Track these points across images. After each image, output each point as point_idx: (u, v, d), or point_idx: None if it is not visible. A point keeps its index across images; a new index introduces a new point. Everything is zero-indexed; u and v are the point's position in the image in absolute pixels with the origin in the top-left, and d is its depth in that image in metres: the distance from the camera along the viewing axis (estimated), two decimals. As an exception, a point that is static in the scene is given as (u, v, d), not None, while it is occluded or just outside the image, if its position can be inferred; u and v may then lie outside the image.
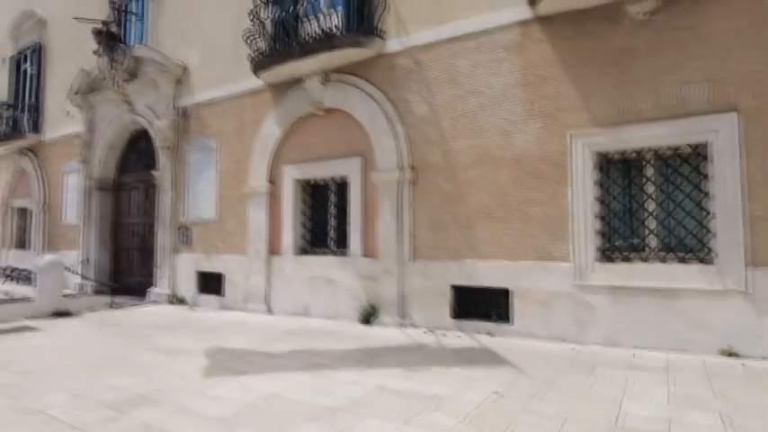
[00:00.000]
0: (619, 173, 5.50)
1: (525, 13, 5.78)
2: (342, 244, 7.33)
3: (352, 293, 6.92)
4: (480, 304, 5.99)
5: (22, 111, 13.17)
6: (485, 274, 5.94)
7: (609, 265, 5.32)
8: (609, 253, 5.40)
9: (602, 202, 5.46)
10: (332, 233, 7.52)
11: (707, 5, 4.91)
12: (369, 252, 6.87)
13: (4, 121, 13.40)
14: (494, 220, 5.93)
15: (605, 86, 5.37)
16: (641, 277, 5.09)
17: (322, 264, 7.34)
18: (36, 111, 12.97)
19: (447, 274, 6.20)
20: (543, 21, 5.72)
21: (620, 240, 5.42)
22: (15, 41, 13.84)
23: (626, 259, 5.29)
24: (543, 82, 5.70)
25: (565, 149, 5.53)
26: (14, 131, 13.08)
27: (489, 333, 5.79)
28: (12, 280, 12.71)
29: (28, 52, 13.49)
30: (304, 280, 7.46)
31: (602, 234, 5.43)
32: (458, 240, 6.17)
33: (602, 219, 5.44)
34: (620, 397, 3.58)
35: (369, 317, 6.64)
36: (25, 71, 13.65)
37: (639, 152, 5.32)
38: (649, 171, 5.30)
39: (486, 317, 5.94)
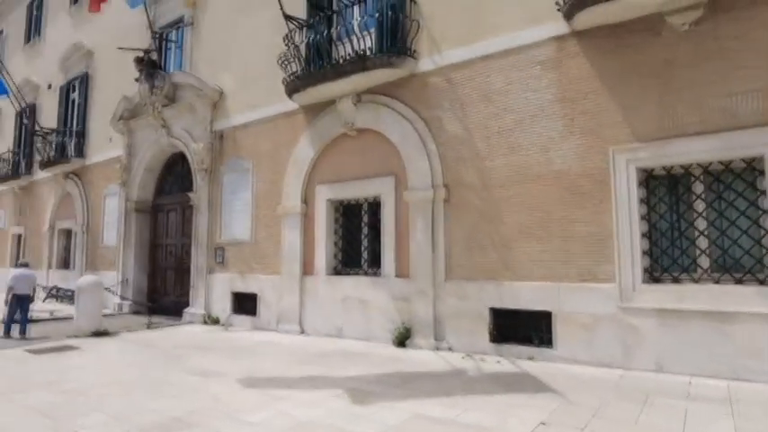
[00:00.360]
0: (665, 189, 5.26)
1: (561, 28, 5.68)
2: (374, 264, 7.25)
3: (385, 315, 6.80)
4: (520, 327, 5.77)
5: (69, 137, 13.77)
6: (524, 295, 5.74)
7: (656, 287, 5.04)
8: (656, 274, 5.13)
9: (647, 220, 5.21)
10: (365, 253, 7.45)
11: (755, 12, 4.69)
12: (402, 272, 6.76)
13: (53, 146, 14.03)
14: (532, 239, 5.74)
15: (647, 100, 5.18)
16: (692, 299, 4.79)
17: (355, 284, 7.26)
18: (81, 136, 13.55)
19: (484, 296, 6.01)
20: (580, 35, 5.60)
21: (667, 260, 5.14)
22: (65, 72, 14.57)
23: (675, 280, 5.01)
24: (582, 97, 5.55)
25: (607, 165, 5.33)
26: (61, 156, 13.68)
27: (530, 358, 5.55)
28: (55, 298, 13.14)
29: (76, 82, 14.17)
30: (337, 301, 7.39)
31: (649, 254, 5.17)
32: (494, 260, 5.99)
33: (648, 238, 5.19)
34: (679, 430, 3.32)
35: (403, 339, 6.49)
36: (73, 100, 14.32)
37: (686, 168, 5.07)
38: (698, 187, 5.04)
39: (526, 341, 5.71)
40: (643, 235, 5.16)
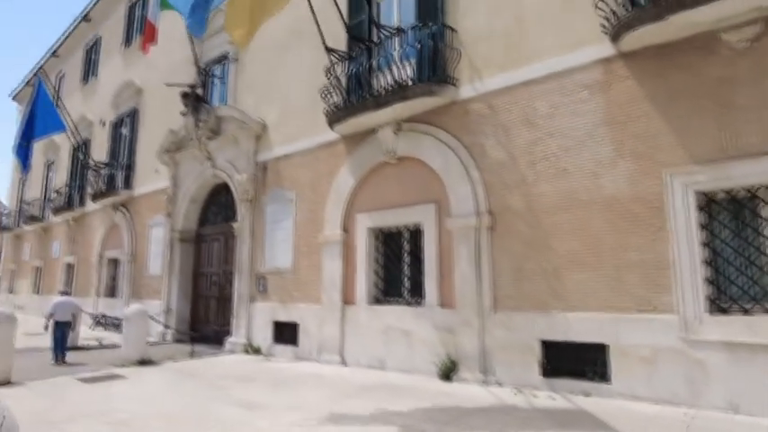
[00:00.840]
0: (727, 214, 4.96)
1: (607, 50, 5.56)
2: (416, 293, 7.11)
3: (429, 346, 6.61)
4: (573, 361, 5.47)
5: (118, 169, 14.41)
6: (577, 327, 5.46)
7: (722, 318, 4.70)
8: (722, 304, 4.79)
9: (709, 246, 4.91)
10: (406, 282, 7.33)
11: (820, 28, 4.46)
12: (446, 302, 6.59)
13: (103, 179, 14.70)
14: (584, 267, 5.50)
15: (703, 121, 4.95)
16: (766, 332, 4.43)
17: (396, 314, 7.12)
18: (129, 169, 14.15)
19: (533, 327, 5.76)
20: (627, 57, 5.46)
21: (735, 290, 4.81)
22: (116, 108, 15.39)
23: (744, 311, 4.65)
24: (632, 120, 5.37)
25: (661, 189, 5.10)
26: (110, 188, 14.30)
27: (585, 393, 5.24)
28: (102, 326, 13.51)
29: (126, 117, 14.92)
30: (378, 331, 7.25)
31: (713, 283, 4.85)
32: (544, 290, 5.76)
33: (712, 266, 4.88)
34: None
35: (448, 372, 6.27)
36: (122, 134, 15.04)
37: (750, 190, 4.78)
38: (766, 211, 4.73)
39: (580, 375, 5.40)
40: (705, 263, 4.85)
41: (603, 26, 5.39)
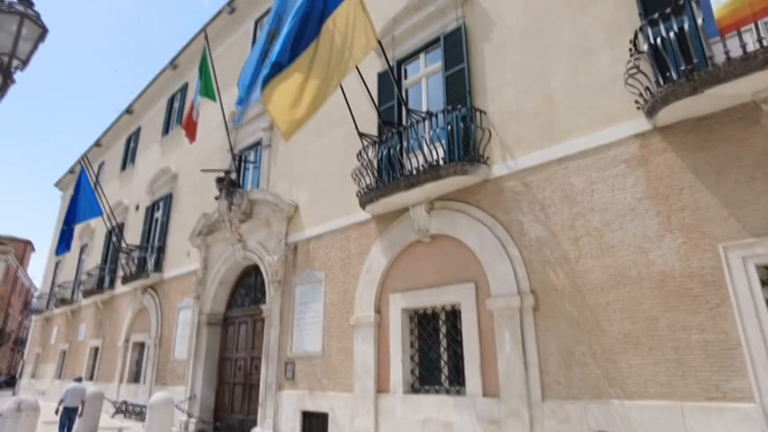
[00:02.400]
0: (795, 289, 4.61)
1: (642, 125, 5.55)
2: (456, 380, 6.68)
3: (473, 439, 6.07)
4: (640, 457, 4.91)
5: (150, 252, 14.65)
6: (638, 416, 4.96)
7: (808, 408, 4.20)
8: (805, 391, 4.30)
9: (781, 325, 4.52)
10: (444, 368, 6.91)
11: None
12: (489, 390, 6.14)
13: (134, 261, 14.93)
14: (640, 350, 5.10)
15: (755, 192, 4.76)
16: None
17: (435, 404, 6.64)
18: (160, 252, 14.37)
19: (589, 418, 5.26)
20: (664, 131, 5.43)
21: (817, 375, 4.34)
22: (152, 194, 15.99)
23: (833, 400, 4.16)
24: (676, 193, 5.22)
25: (718, 264, 4.81)
26: (141, 271, 14.46)
27: (658, 498, 4.63)
28: (123, 414, 13.02)
29: (160, 202, 15.44)
30: (416, 423, 6.74)
31: (791, 366, 4.40)
32: (597, 376, 5.33)
33: (786, 347, 4.45)
34: None
35: (496, 470, 5.69)
36: (156, 218, 15.49)
37: (818, 264, 4.47)
38: (839, 286, 4.39)
39: (649, 475, 4.82)
40: (780, 344, 4.44)
41: (637, 102, 5.41)
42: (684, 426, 4.67)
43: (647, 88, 5.26)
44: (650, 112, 5.27)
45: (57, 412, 8.79)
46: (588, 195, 5.82)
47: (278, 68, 6.01)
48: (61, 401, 8.95)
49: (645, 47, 5.35)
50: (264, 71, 6.16)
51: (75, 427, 9.22)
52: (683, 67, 4.90)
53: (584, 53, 6.27)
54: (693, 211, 5.08)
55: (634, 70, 5.43)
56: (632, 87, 5.49)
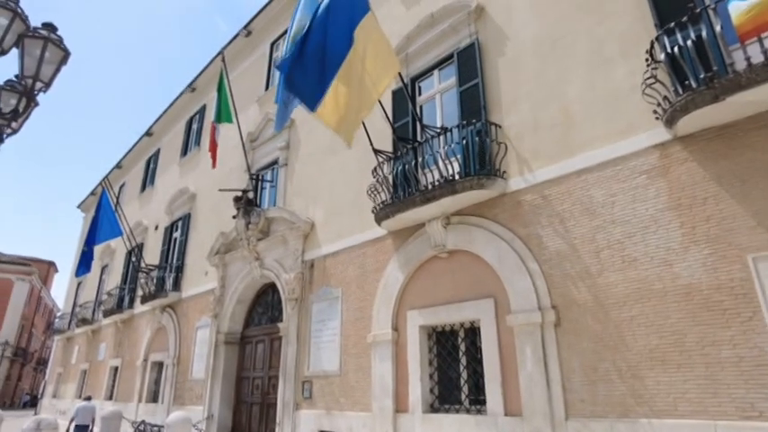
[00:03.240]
0: (831, 302, 4.42)
1: (662, 135, 5.45)
2: (477, 399, 6.52)
3: (495, 460, 5.88)
4: (672, 480, 4.69)
5: (168, 271, 14.79)
6: (668, 437, 4.76)
7: None
8: None
9: (817, 340, 4.32)
10: (464, 387, 6.76)
11: None
12: (511, 409, 5.97)
13: (153, 281, 15.07)
14: (668, 366, 4.92)
15: (784, 201, 4.62)
16: None
17: (455, 424, 6.47)
18: (179, 271, 14.50)
19: (616, 438, 5.06)
20: (684, 140, 5.32)
21: None
22: (170, 214, 16.22)
23: None
24: (699, 203, 5.08)
25: (748, 275, 4.64)
26: (159, 290, 14.58)
27: None
28: (141, 436, 12.99)
29: (179, 222, 15.63)
30: (436, 442, 6.57)
31: (830, 383, 4.19)
32: (623, 393, 5.14)
33: (825, 362, 4.25)
34: None
35: (520, 492, 5.49)
36: (174, 238, 15.67)
37: None
38: None
39: (682, 499, 4.60)
40: (817, 359, 4.24)
41: (656, 111, 5.33)
42: (718, 446, 4.46)
43: (666, 97, 5.18)
44: (669, 121, 5.18)
45: (68, 431, 9.37)
46: (608, 207, 5.71)
47: (323, 86, 6.19)
48: (72, 420, 9.58)
49: (662, 56, 5.29)
50: (311, 91, 6.29)
51: None
52: (702, 75, 4.81)
53: (599, 64, 6.22)
54: (719, 222, 4.93)
55: (651, 80, 5.36)
56: (650, 97, 5.42)
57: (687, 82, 4.99)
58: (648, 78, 5.37)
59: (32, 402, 37.78)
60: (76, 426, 9.64)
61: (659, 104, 5.27)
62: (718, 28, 4.88)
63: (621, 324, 5.30)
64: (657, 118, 5.37)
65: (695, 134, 5.24)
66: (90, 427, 9.71)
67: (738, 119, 4.95)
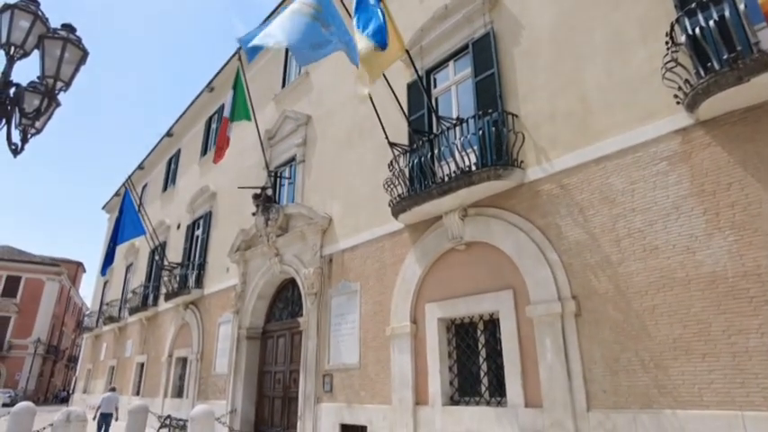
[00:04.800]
0: None
1: (683, 120, 5.31)
2: (497, 391, 6.48)
3: (516, 452, 5.85)
4: (698, 471, 4.60)
5: (190, 269, 15.05)
6: (693, 427, 4.65)
7: None
8: None
9: None
10: (484, 379, 6.72)
11: None
12: (531, 401, 5.92)
13: (176, 278, 15.36)
14: (692, 355, 4.81)
15: (812, 185, 4.47)
16: None
17: (475, 416, 6.45)
18: (201, 268, 14.74)
19: (639, 428, 4.97)
20: (706, 124, 5.18)
21: None
22: (192, 213, 16.49)
23: None
24: (723, 189, 4.95)
25: (774, 263, 4.51)
26: (182, 288, 14.85)
27: None
28: (168, 429, 13.28)
29: (200, 220, 15.89)
30: (456, 434, 6.56)
31: None
32: (646, 384, 5.05)
33: None
34: None
35: (542, 484, 5.45)
36: (196, 236, 15.93)
37: None
38: None
39: (709, 490, 4.50)
40: None
41: (677, 96, 5.19)
42: (746, 437, 4.35)
43: (687, 81, 5.05)
44: (691, 105, 5.05)
45: (94, 418, 10.47)
46: (629, 195, 5.60)
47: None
48: (98, 408, 10.71)
49: (682, 38, 5.14)
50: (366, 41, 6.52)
51: (110, 430, 11.18)
52: (725, 56, 4.67)
53: (617, 50, 6.09)
54: (744, 207, 4.79)
55: (672, 63, 5.23)
56: (670, 81, 5.28)
57: (709, 64, 4.85)
58: (669, 62, 5.24)
59: (66, 399, 38.97)
60: (101, 414, 11.00)
61: (680, 88, 5.13)
62: (741, 6, 4.72)
63: (643, 313, 5.20)
64: (678, 102, 5.24)
65: (718, 118, 5.09)
66: (114, 415, 11.25)
67: (764, 101, 4.80)
